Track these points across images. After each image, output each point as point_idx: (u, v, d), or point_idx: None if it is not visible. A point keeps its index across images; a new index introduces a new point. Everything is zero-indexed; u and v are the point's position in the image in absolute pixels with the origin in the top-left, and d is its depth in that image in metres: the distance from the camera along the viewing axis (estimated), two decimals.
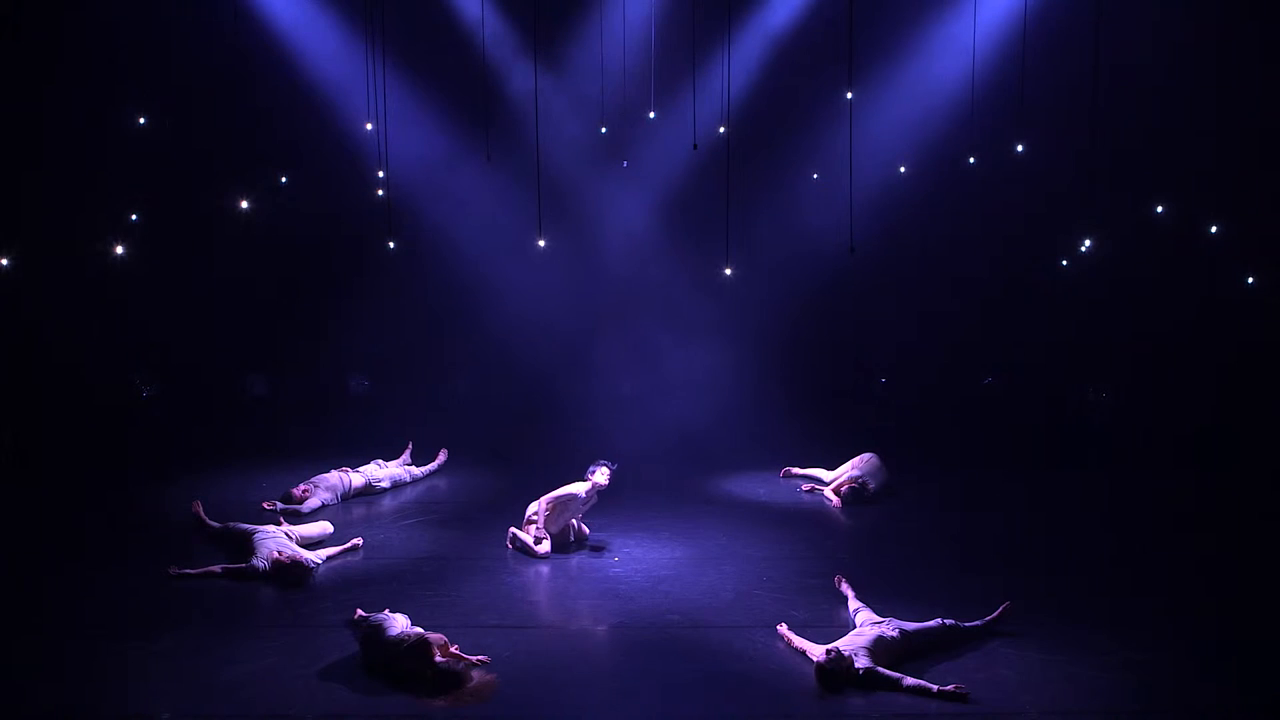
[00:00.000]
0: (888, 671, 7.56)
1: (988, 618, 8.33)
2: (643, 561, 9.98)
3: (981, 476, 12.97)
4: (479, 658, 7.75)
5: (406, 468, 12.50)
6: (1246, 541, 10.55)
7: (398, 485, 12.29)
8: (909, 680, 7.51)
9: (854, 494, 11.77)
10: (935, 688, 7.42)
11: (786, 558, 10.10)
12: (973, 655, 8.01)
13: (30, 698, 7.39)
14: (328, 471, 11.83)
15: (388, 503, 11.92)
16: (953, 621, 8.19)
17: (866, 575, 9.31)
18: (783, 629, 8.26)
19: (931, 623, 8.14)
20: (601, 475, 10.35)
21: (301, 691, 7.46)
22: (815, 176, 16.07)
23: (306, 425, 14.89)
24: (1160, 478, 12.76)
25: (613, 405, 15.68)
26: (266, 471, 12.56)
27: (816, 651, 7.70)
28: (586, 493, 10.28)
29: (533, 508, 10.28)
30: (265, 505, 11.19)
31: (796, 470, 12.71)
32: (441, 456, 12.84)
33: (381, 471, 12.21)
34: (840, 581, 9.00)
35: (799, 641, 8.02)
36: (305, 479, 11.62)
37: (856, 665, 7.53)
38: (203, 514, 10.51)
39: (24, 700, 7.37)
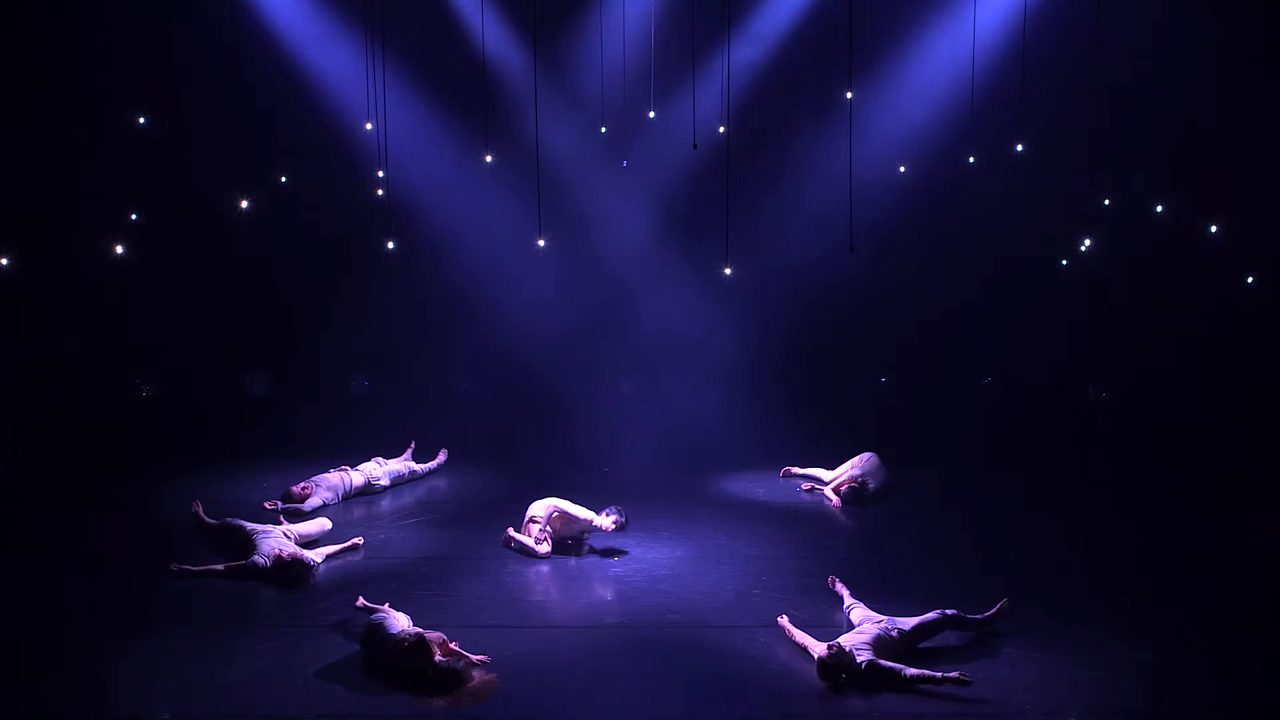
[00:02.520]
0: (889, 663, 7.57)
1: (986, 613, 8.31)
2: (643, 561, 9.98)
3: (981, 476, 12.95)
4: (479, 657, 7.74)
5: (407, 464, 12.48)
6: (1247, 541, 10.54)
7: (398, 483, 12.27)
8: (910, 670, 7.53)
9: (854, 494, 11.77)
10: (939, 674, 7.45)
11: (786, 558, 10.10)
12: (973, 655, 8.00)
13: (30, 698, 7.39)
14: (328, 471, 11.84)
15: (388, 503, 11.91)
16: (954, 611, 8.16)
17: (866, 575, 9.31)
18: (783, 621, 8.26)
19: (930, 615, 8.11)
20: (607, 520, 10.16)
21: (301, 691, 7.46)
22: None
23: (306, 425, 14.87)
24: (1160, 477, 12.76)
25: (613, 405, 15.70)
26: (266, 471, 12.55)
27: (819, 648, 7.70)
28: (588, 523, 10.19)
29: (535, 509, 10.27)
30: (266, 505, 11.19)
31: (796, 470, 12.70)
32: (441, 456, 12.84)
33: (381, 469, 12.20)
34: (834, 582, 8.99)
35: (799, 635, 8.02)
36: (305, 478, 11.61)
37: (858, 659, 7.54)
38: (201, 513, 10.51)
39: (24, 700, 7.37)
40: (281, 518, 10.48)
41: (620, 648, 8.24)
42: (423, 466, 12.62)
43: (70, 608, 8.77)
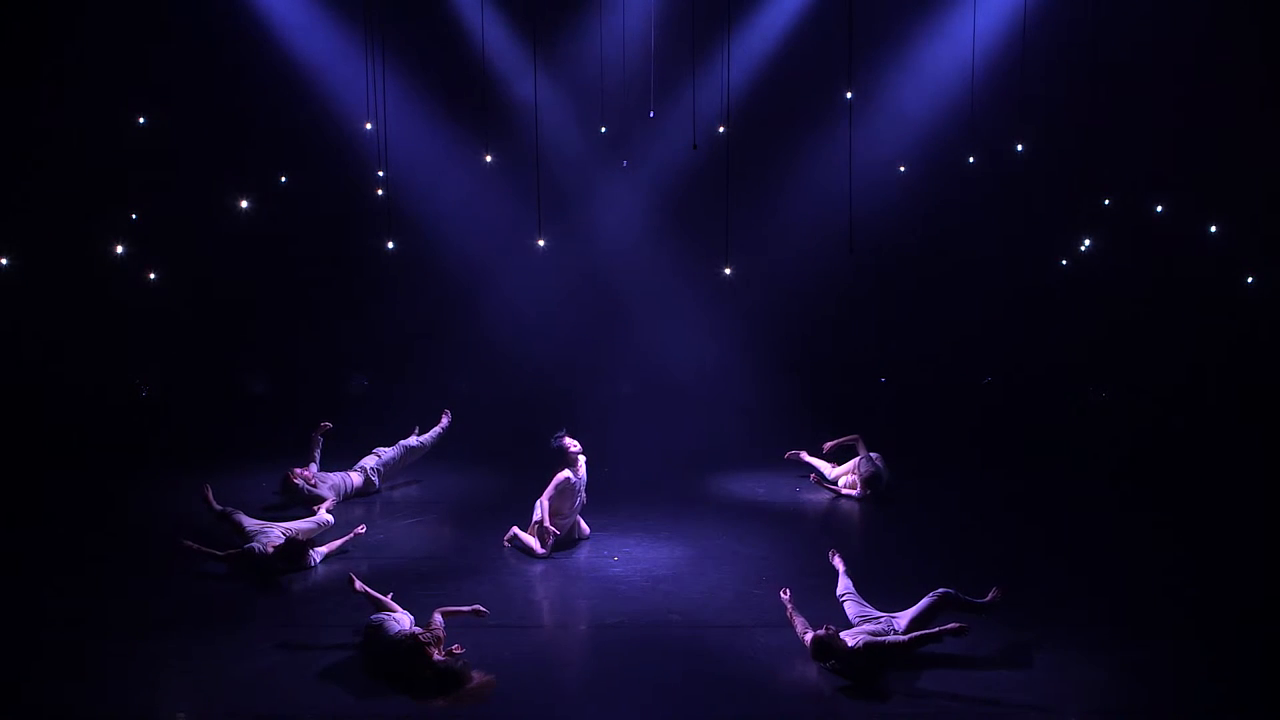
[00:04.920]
0: (884, 638, 7.64)
1: (980, 599, 8.27)
2: (643, 561, 9.98)
3: (982, 476, 12.95)
4: (474, 608, 8.04)
5: (404, 443, 12.34)
6: (1247, 540, 10.53)
7: (392, 474, 12.20)
8: (904, 637, 7.62)
9: (873, 478, 11.74)
10: (936, 629, 7.55)
11: (786, 557, 10.09)
12: (974, 654, 8.00)
13: (30, 697, 7.39)
14: (330, 471, 11.86)
15: (387, 502, 11.90)
16: (947, 590, 8.12)
17: (866, 574, 9.27)
18: (785, 597, 8.21)
19: (924, 600, 8.07)
20: (573, 444, 10.34)
21: (301, 691, 7.46)
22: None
23: (306, 424, 14.83)
24: (1160, 477, 12.76)
25: (613, 404, 15.71)
26: (266, 471, 12.53)
27: (816, 630, 7.73)
28: (574, 468, 10.26)
29: (538, 512, 10.28)
30: (292, 478, 11.22)
31: (804, 456, 12.60)
32: (445, 420, 12.58)
33: (377, 462, 12.13)
34: (834, 555, 8.95)
35: (799, 622, 7.98)
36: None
37: (853, 643, 7.56)
38: (210, 497, 10.47)
39: (24, 700, 7.37)
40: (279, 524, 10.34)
41: (620, 648, 8.24)
42: (429, 435, 12.41)
43: (71, 608, 8.77)
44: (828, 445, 12.30)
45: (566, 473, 10.26)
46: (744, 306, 16.32)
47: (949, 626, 7.52)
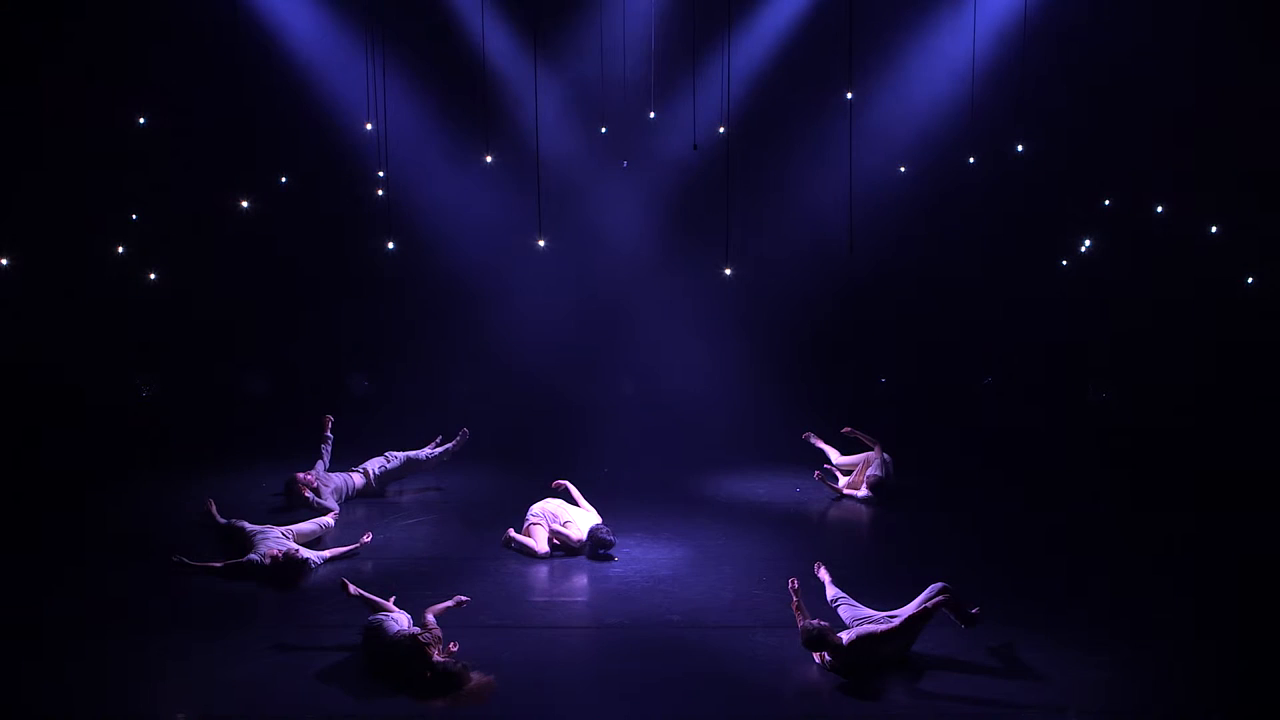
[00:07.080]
0: (872, 628, 7.68)
1: (969, 609, 8.26)
2: (643, 561, 9.98)
3: (981, 476, 12.95)
4: (459, 598, 8.17)
5: (407, 453, 12.28)
6: (1247, 541, 10.53)
7: (391, 478, 12.14)
8: (898, 621, 7.67)
9: (881, 483, 11.73)
10: (927, 607, 7.67)
11: (786, 558, 10.08)
12: (973, 654, 8.00)
13: (30, 698, 7.40)
14: (333, 472, 11.85)
15: (388, 503, 11.90)
16: (950, 586, 8.11)
17: (865, 575, 9.31)
18: (794, 586, 8.19)
19: (923, 594, 8.06)
20: (608, 535, 10.15)
21: (301, 691, 7.46)
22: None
23: (306, 425, 14.84)
24: (1160, 477, 12.75)
25: (614, 404, 15.71)
26: (266, 472, 12.55)
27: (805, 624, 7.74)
28: (576, 540, 10.17)
29: (535, 511, 10.30)
30: (301, 490, 11.16)
31: (817, 441, 12.58)
32: (456, 441, 12.40)
33: (384, 463, 12.08)
34: (819, 568, 8.91)
35: (802, 617, 7.97)
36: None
37: (843, 638, 7.57)
38: (214, 511, 10.49)
39: (24, 700, 7.37)
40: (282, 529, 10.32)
41: (620, 648, 8.24)
42: (436, 451, 12.29)
43: (71, 608, 8.77)
44: (847, 429, 12.27)
45: (572, 533, 10.19)
46: (744, 306, 16.30)
47: (937, 599, 7.51)
